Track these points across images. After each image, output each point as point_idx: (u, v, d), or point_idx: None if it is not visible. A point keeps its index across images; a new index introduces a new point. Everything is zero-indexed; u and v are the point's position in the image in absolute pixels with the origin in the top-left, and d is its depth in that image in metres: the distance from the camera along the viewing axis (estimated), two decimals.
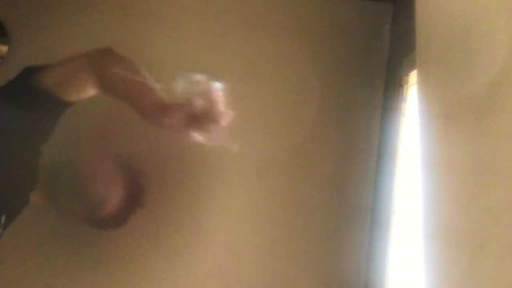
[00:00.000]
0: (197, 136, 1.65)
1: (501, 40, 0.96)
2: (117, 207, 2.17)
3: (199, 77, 1.56)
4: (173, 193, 2.53)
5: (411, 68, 2.10)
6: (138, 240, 2.52)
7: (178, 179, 2.53)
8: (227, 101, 1.61)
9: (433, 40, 1.32)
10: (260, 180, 2.55)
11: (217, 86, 1.59)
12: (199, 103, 1.54)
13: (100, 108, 2.54)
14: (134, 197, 2.26)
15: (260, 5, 2.58)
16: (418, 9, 1.42)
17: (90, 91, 1.78)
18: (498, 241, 0.90)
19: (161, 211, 2.52)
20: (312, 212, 2.55)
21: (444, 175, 1.18)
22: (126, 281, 2.52)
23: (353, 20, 2.59)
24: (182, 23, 2.57)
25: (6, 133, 1.63)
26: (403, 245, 2.12)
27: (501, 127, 0.94)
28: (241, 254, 2.55)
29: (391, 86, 2.42)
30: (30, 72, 1.77)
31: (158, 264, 2.53)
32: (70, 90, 1.76)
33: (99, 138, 2.53)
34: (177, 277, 2.53)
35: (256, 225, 2.55)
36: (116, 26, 2.53)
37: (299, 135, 2.56)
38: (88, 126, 2.52)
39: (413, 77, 2.17)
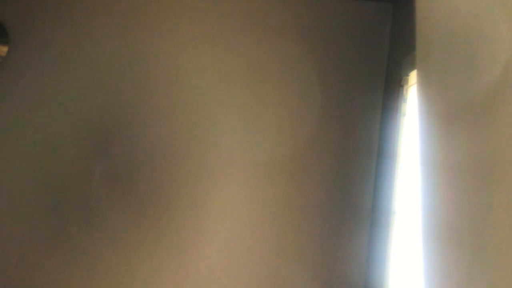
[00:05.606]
0: None
1: (502, 40, 0.95)
2: None
3: None
4: (173, 194, 2.53)
5: (411, 68, 2.10)
6: (137, 240, 2.52)
7: (178, 180, 2.54)
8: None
9: (433, 40, 1.32)
10: (260, 181, 2.56)
11: None
12: None
13: (101, 110, 2.55)
14: None
15: (261, 6, 2.58)
16: (418, 9, 1.42)
17: None
18: (498, 241, 0.90)
19: (161, 212, 2.52)
20: (312, 212, 2.55)
21: (444, 175, 1.17)
22: (125, 280, 2.52)
23: (353, 20, 2.59)
24: (182, 25, 2.57)
25: None
26: (403, 245, 2.13)
27: (501, 127, 0.93)
28: (241, 254, 2.55)
29: (391, 86, 2.42)
30: None
31: (157, 264, 2.53)
32: None
33: (99, 139, 2.53)
34: (176, 276, 2.53)
35: (257, 226, 2.55)
36: (115, 27, 2.54)
37: (299, 135, 2.56)
38: (88, 127, 2.52)
39: (413, 77, 2.17)
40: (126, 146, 2.54)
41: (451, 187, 1.13)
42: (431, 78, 1.33)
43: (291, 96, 2.57)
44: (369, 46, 2.59)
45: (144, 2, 2.56)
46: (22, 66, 2.52)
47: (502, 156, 0.92)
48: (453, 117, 1.15)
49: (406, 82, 2.22)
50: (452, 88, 1.18)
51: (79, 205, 2.51)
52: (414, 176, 2.01)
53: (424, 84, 1.38)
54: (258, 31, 2.57)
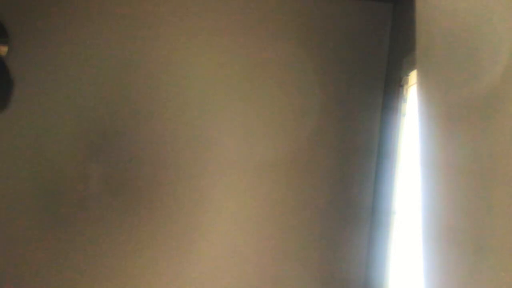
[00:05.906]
0: None
1: (502, 40, 0.95)
2: None
3: None
4: (172, 194, 2.53)
5: (411, 68, 2.10)
6: (135, 239, 2.52)
7: (177, 180, 2.54)
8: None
9: (433, 40, 1.32)
10: (260, 180, 2.56)
11: None
12: None
13: (100, 110, 2.55)
14: None
15: (261, 6, 2.58)
16: (418, 9, 1.42)
17: None
18: (498, 241, 0.90)
19: (160, 212, 2.52)
20: (312, 212, 2.55)
21: (444, 175, 1.17)
22: (123, 279, 2.52)
23: (353, 20, 2.59)
24: (182, 25, 2.57)
25: None
26: (403, 245, 2.13)
27: (501, 127, 0.93)
28: (241, 254, 2.55)
29: (391, 86, 2.42)
30: None
31: (155, 263, 2.52)
32: None
33: (98, 140, 2.53)
34: (174, 276, 2.53)
35: (256, 226, 2.55)
36: (115, 27, 2.54)
37: (299, 135, 2.56)
38: (87, 127, 2.52)
39: (413, 77, 2.17)
40: (125, 146, 2.53)
41: (451, 187, 1.13)
42: (431, 78, 1.33)
43: (291, 96, 2.57)
44: (369, 46, 2.59)
45: (144, 2, 2.56)
46: (22, 66, 2.52)
47: (502, 156, 0.92)
48: (453, 117, 1.15)
49: (406, 82, 2.22)
50: (452, 88, 1.18)
51: (77, 205, 2.51)
52: (414, 176, 2.01)
53: (424, 84, 1.38)
54: (258, 31, 2.57)
